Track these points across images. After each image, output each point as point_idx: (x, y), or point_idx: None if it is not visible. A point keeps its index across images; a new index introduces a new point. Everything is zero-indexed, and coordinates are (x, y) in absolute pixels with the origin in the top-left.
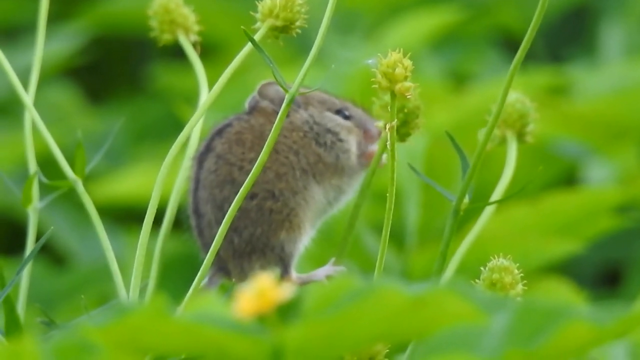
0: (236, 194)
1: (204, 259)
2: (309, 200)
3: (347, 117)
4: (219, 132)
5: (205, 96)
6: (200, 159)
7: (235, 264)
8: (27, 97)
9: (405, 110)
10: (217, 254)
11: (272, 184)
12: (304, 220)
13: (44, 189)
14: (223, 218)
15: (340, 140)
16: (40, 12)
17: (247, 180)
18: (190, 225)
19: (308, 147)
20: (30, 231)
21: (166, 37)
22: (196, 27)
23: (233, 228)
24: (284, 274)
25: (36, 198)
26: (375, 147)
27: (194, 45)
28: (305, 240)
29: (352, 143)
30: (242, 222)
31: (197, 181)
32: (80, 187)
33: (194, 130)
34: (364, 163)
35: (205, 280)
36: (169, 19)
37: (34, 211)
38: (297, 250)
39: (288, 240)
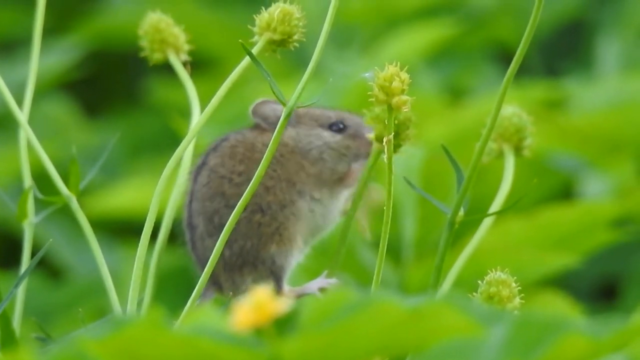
0: (226, 206)
1: (198, 273)
2: (297, 214)
3: (341, 130)
4: (215, 147)
5: (197, 114)
6: (196, 173)
7: (226, 277)
8: (21, 114)
9: (396, 122)
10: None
11: (260, 197)
12: (295, 234)
13: (40, 203)
14: (213, 230)
15: (323, 159)
16: (35, 26)
17: (243, 196)
18: (185, 239)
19: (293, 158)
20: (26, 246)
21: (157, 57)
22: (187, 47)
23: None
24: (277, 287)
25: (32, 212)
26: (358, 166)
27: (185, 64)
28: (297, 254)
29: (336, 161)
30: (232, 235)
31: (191, 194)
32: (74, 204)
33: (188, 148)
34: (348, 183)
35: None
36: (160, 38)
37: (29, 226)
38: (288, 264)
39: (279, 254)
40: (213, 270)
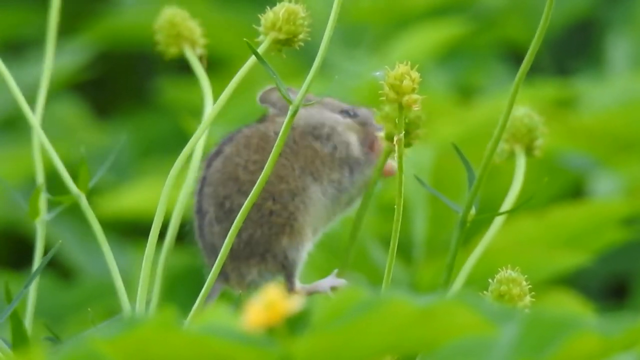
0: (238, 191)
1: (205, 261)
2: (307, 203)
3: (351, 116)
4: (230, 138)
5: (210, 110)
6: (210, 160)
7: (232, 267)
8: (32, 115)
9: (407, 121)
10: (216, 256)
11: (272, 186)
12: (304, 225)
13: (51, 203)
14: (223, 216)
15: (338, 133)
16: (49, 26)
17: (257, 183)
18: (193, 227)
19: (306, 141)
20: (38, 244)
21: (172, 51)
22: (202, 41)
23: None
24: (288, 283)
25: (44, 211)
26: (380, 135)
27: (200, 58)
28: (308, 247)
29: (350, 136)
30: (242, 222)
31: (203, 180)
32: (84, 202)
33: (198, 144)
34: (371, 156)
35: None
36: (175, 32)
37: (41, 224)
38: (300, 258)
39: (290, 247)
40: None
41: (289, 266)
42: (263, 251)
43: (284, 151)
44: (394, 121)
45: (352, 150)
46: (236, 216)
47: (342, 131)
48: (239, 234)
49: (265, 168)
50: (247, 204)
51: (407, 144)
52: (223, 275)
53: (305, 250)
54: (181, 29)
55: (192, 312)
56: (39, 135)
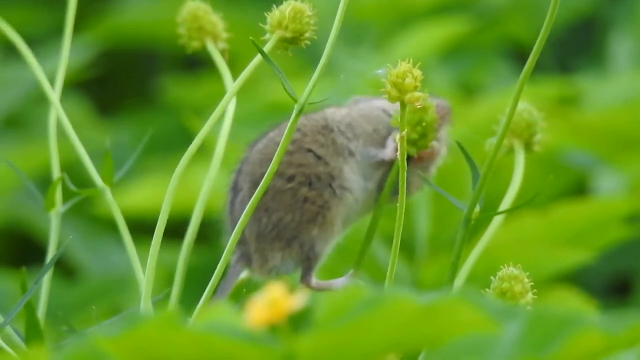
0: (275, 172)
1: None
2: (344, 188)
3: None
4: (277, 125)
5: (233, 105)
6: (254, 143)
7: (256, 248)
8: (55, 96)
9: (424, 124)
10: (242, 235)
11: (309, 167)
12: (336, 216)
13: (65, 198)
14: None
15: (368, 112)
16: (67, 21)
17: (273, 160)
18: (225, 202)
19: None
20: (53, 235)
21: (194, 45)
22: (224, 35)
23: (264, 207)
24: (305, 275)
25: (59, 202)
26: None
27: (222, 52)
28: (335, 240)
29: (380, 120)
30: (274, 203)
31: (244, 160)
32: (108, 195)
33: (221, 137)
34: (384, 153)
35: (232, 260)
36: (198, 25)
37: (56, 215)
38: (325, 252)
39: (319, 239)
40: (244, 239)
41: (312, 258)
42: (290, 237)
43: (324, 131)
44: (411, 125)
45: (370, 128)
46: (269, 197)
47: (375, 115)
48: (268, 215)
49: (275, 156)
50: (266, 178)
51: (424, 146)
52: (245, 257)
53: (332, 244)
54: (203, 22)
55: (208, 289)
56: (63, 122)
